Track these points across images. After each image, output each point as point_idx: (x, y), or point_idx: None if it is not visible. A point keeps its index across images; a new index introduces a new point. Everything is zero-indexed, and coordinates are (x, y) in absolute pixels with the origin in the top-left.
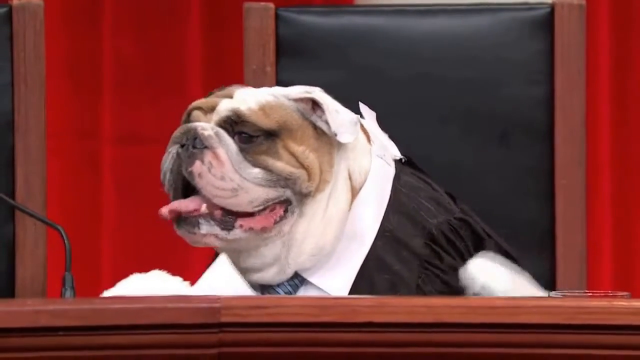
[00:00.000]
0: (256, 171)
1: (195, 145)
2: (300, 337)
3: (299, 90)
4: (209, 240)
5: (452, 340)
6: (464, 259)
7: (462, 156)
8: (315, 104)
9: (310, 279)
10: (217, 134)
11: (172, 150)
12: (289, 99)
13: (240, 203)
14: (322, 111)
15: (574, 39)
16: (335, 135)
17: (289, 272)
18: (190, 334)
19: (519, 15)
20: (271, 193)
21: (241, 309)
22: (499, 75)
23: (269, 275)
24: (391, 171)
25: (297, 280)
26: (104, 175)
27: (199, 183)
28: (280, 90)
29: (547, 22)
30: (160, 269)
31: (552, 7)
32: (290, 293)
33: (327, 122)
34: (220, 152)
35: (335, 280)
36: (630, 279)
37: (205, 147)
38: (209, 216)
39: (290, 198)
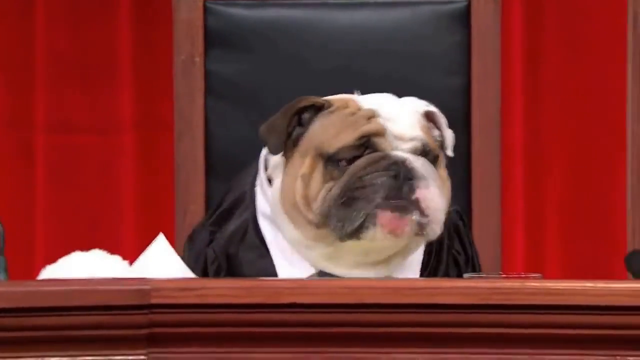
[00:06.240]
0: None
1: (409, 176)
2: (226, 317)
3: (420, 104)
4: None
5: (373, 320)
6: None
7: None
8: (427, 117)
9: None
10: (422, 165)
11: (380, 180)
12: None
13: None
14: (434, 124)
15: (489, 32)
16: (446, 149)
17: None
18: (121, 315)
19: (437, 9)
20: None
21: (170, 290)
22: (418, 67)
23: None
24: None
25: None
26: (37, 162)
27: (420, 208)
28: (412, 105)
29: (464, 16)
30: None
31: (469, 1)
32: None
33: (439, 137)
34: (431, 182)
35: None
36: (541, 261)
37: (417, 177)
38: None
39: None
